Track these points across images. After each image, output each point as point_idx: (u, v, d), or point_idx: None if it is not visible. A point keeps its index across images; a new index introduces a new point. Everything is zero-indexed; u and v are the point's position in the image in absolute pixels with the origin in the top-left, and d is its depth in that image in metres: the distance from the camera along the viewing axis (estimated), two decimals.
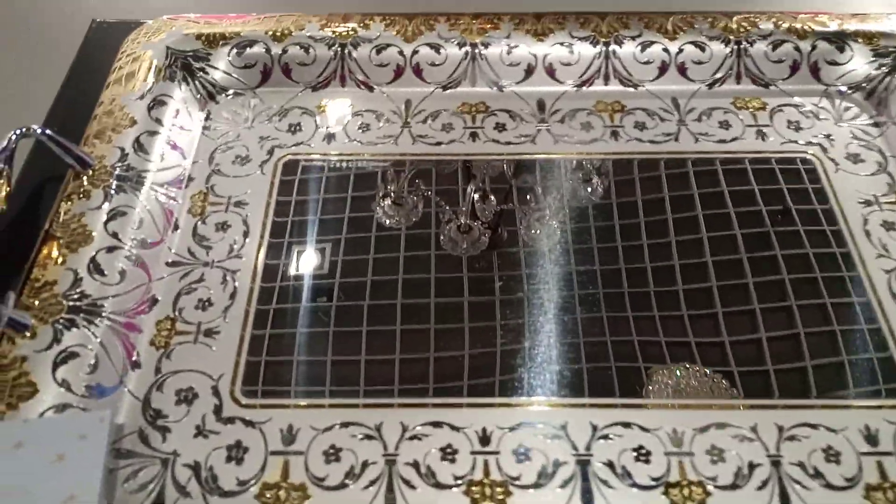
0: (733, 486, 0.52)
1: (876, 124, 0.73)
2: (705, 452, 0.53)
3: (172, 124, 0.71)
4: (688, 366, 0.58)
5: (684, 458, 0.53)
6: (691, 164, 0.70)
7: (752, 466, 0.52)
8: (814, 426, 0.54)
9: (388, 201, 0.68)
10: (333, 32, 0.76)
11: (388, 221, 0.67)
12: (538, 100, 0.76)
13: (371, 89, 0.77)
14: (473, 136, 0.73)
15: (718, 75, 0.76)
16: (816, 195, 0.68)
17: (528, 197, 0.69)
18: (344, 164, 0.71)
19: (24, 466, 0.48)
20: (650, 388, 0.56)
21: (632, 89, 0.76)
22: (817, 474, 0.52)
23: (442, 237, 0.65)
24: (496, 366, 0.58)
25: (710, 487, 0.52)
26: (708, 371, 0.57)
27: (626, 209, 0.68)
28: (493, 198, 0.69)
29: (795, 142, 0.72)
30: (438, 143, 0.73)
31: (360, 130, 0.74)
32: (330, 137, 0.73)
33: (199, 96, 0.75)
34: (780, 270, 0.63)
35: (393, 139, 0.73)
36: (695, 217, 0.67)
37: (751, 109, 0.75)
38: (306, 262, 0.64)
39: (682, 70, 0.76)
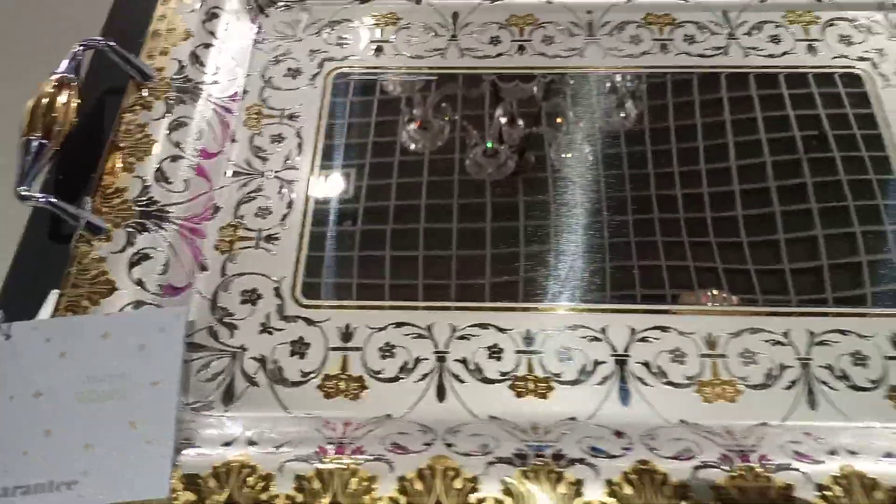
0: (763, 386, 0.57)
1: None
2: (738, 355, 0.58)
3: (226, 37, 0.76)
4: (715, 292, 0.62)
5: (717, 359, 0.58)
6: (732, 80, 0.73)
7: (782, 368, 0.58)
8: (844, 332, 0.59)
9: (413, 125, 0.72)
10: None
11: (413, 146, 0.71)
12: (587, 11, 0.79)
13: (419, 1, 0.80)
14: (521, 48, 0.77)
15: None
16: (863, 109, 0.70)
17: (557, 121, 0.72)
18: (393, 78, 0.75)
19: (114, 354, 0.55)
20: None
21: (682, 1, 0.78)
22: (844, 376, 0.57)
23: (467, 161, 0.70)
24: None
25: (740, 386, 0.57)
26: (735, 298, 0.62)
27: (658, 135, 0.71)
28: (521, 122, 0.73)
29: (846, 56, 0.75)
30: (486, 57, 0.76)
31: (408, 43, 0.78)
32: (378, 50, 0.77)
33: (249, 8, 0.79)
34: (819, 191, 0.66)
35: (441, 52, 0.77)
36: (726, 143, 0.70)
37: (802, 23, 0.77)
38: (354, 180, 0.69)
39: None
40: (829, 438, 0.53)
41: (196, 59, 0.73)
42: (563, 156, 0.69)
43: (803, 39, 0.76)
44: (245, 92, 0.75)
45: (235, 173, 0.69)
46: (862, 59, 0.75)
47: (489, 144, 0.69)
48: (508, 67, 0.76)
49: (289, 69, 0.76)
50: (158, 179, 0.65)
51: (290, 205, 0.67)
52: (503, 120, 0.72)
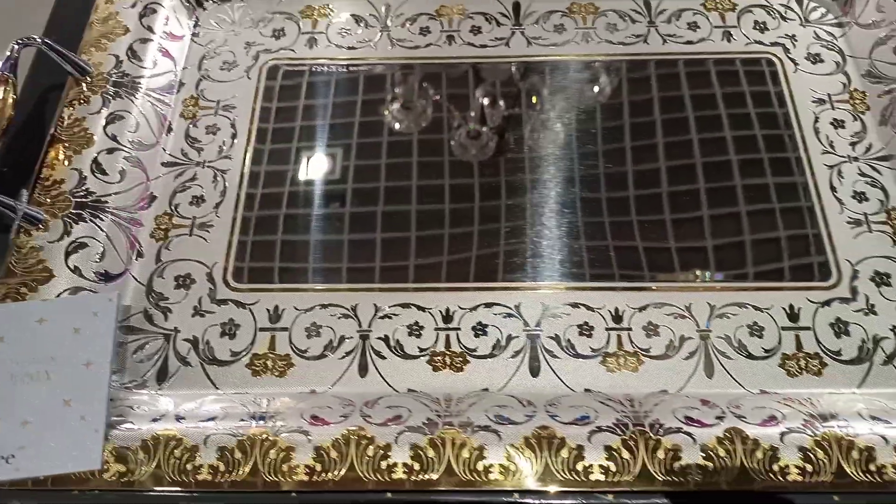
0: (664, 356, 0.62)
1: (839, 24, 0.80)
2: (642, 328, 0.63)
3: (164, 31, 0.79)
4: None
5: (623, 332, 0.63)
6: (654, 66, 0.77)
7: (682, 339, 0.62)
8: (743, 305, 0.64)
9: (396, 105, 0.76)
10: None
11: (397, 125, 0.75)
12: (514, 2, 0.83)
13: None
14: (450, 39, 0.81)
15: None
16: (774, 94, 0.75)
17: (532, 101, 0.76)
18: (325, 69, 0.79)
19: (49, 338, 0.59)
20: None
21: None
22: (741, 346, 0.62)
23: (453, 142, 0.74)
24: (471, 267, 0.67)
25: (643, 357, 0.62)
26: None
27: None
28: (501, 102, 0.77)
29: (761, 42, 0.79)
30: (416, 47, 0.80)
31: (341, 35, 0.81)
32: (312, 42, 0.81)
33: (187, 3, 0.83)
34: (731, 173, 0.71)
35: (372, 43, 0.81)
36: (653, 121, 0.74)
37: (720, 10, 0.81)
38: (290, 162, 0.73)
39: None
40: (721, 404, 0.57)
41: (133, 54, 0.76)
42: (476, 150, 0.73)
43: (720, 26, 0.80)
44: (181, 84, 0.78)
45: (171, 163, 0.73)
46: (775, 44, 0.79)
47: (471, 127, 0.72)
48: (437, 57, 0.80)
49: (225, 62, 0.80)
50: (95, 171, 0.69)
51: (223, 193, 0.71)
52: (485, 101, 0.76)
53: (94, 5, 0.80)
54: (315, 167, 0.73)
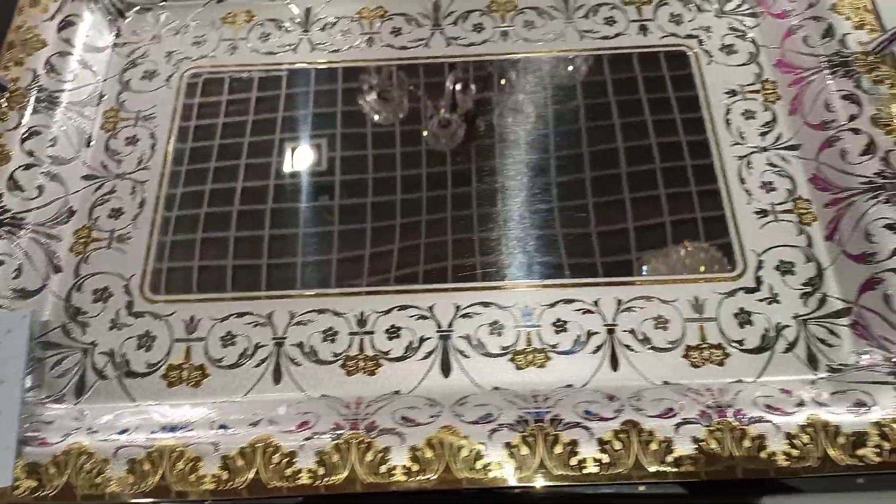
0: (570, 352, 0.63)
1: (753, 14, 0.81)
2: (551, 325, 0.65)
3: (84, 44, 0.80)
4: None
5: (532, 329, 0.64)
6: (564, 64, 0.79)
7: (589, 334, 0.64)
8: (649, 298, 0.66)
9: (373, 95, 0.77)
10: None
11: (376, 117, 0.76)
12: (434, 2, 0.84)
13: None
14: (370, 41, 0.82)
15: None
16: (688, 88, 0.76)
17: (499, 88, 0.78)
18: (245, 76, 0.80)
19: None
20: None
21: None
22: (645, 339, 0.64)
23: (425, 133, 0.75)
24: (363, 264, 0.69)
25: (550, 354, 0.63)
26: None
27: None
28: (472, 87, 0.78)
29: (675, 35, 0.80)
30: (337, 50, 0.81)
31: (261, 40, 0.82)
32: (233, 49, 0.82)
33: (108, 15, 0.83)
34: (652, 160, 0.72)
35: (293, 47, 0.82)
36: (577, 107, 0.76)
37: (637, 4, 0.83)
38: (208, 174, 0.74)
39: None
40: (623, 397, 0.59)
41: (52, 68, 0.77)
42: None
43: (636, 20, 0.82)
44: (102, 96, 0.79)
45: (91, 176, 0.74)
46: (690, 36, 0.80)
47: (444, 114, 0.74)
48: (359, 60, 0.81)
49: (146, 71, 0.81)
50: (11, 188, 0.70)
51: (141, 204, 0.72)
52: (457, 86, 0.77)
53: (11, 20, 0.80)
54: (234, 178, 0.74)
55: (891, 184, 0.65)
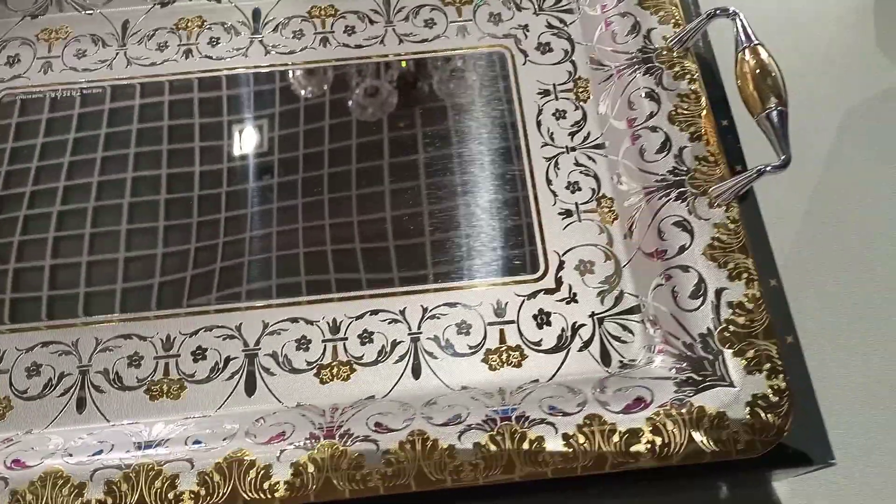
0: (375, 363, 0.66)
1: (570, 10, 0.83)
2: (357, 336, 0.67)
3: None
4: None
5: (339, 343, 0.66)
6: (384, 68, 0.80)
7: (394, 344, 0.66)
8: (453, 304, 0.68)
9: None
10: None
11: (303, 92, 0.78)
12: (254, 9, 0.84)
13: (90, 11, 0.84)
14: (187, 53, 0.82)
15: None
16: (504, 89, 0.78)
17: None
18: (61, 95, 0.80)
19: None
20: None
21: None
22: (448, 345, 0.66)
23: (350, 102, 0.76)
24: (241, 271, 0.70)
25: (355, 366, 0.65)
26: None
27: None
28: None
29: (494, 35, 0.82)
30: (153, 64, 0.81)
31: (77, 57, 0.82)
32: (47, 67, 0.81)
33: None
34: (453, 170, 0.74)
35: (108, 63, 0.81)
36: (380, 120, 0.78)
37: (457, 4, 0.84)
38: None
39: None
40: (414, 405, 0.62)
41: None
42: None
43: (456, 21, 0.83)
44: None
45: None
46: (508, 35, 0.82)
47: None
48: (175, 73, 0.81)
49: None
50: None
51: None
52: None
53: None
54: (51, 203, 0.74)
55: (680, 181, 0.68)
